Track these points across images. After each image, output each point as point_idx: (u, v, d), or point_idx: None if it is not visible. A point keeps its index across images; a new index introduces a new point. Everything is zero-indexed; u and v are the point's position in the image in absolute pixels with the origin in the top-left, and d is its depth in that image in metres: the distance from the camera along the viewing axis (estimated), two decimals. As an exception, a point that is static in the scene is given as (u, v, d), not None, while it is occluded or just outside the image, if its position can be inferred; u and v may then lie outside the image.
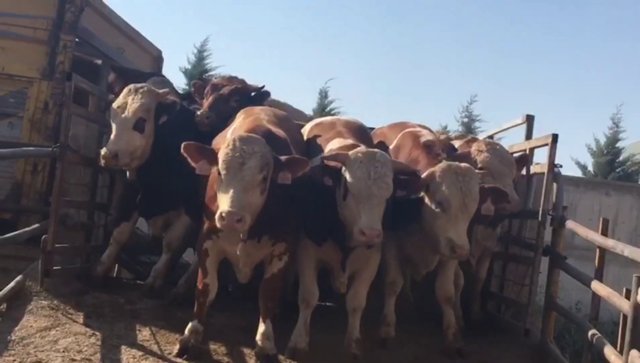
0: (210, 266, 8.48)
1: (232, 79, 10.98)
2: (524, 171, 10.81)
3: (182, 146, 7.82)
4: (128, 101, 9.49)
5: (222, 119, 10.05)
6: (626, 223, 18.51)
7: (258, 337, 8.40)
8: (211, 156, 7.78)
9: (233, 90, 10.73)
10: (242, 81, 11.04)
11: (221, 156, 7.62)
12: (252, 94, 10.98)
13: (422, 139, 9.32)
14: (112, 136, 9.39)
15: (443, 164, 8.56)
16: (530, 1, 44.34)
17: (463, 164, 8.62)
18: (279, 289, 8.72)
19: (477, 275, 10.71)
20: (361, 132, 9.55)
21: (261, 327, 8.42)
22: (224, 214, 7.32)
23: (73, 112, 9.85)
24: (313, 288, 8.71)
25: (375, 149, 8.33)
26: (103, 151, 9.37)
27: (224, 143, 7.78)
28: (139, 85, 9.72)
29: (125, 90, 9.69)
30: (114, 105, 9.66)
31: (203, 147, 7.94)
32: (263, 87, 11.10)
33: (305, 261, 8.77)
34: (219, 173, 7.59)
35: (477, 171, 8.95)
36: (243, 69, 35.75)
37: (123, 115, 9.42)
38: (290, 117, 10.26)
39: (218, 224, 7.43)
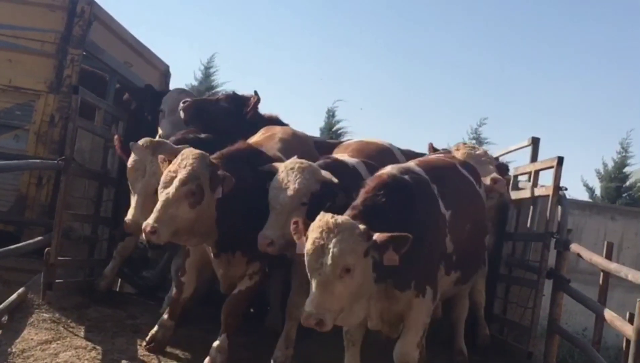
0: (188, 266, 8.80)
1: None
2: (525, 194, 10.81)
3: None
4: None
5: (211, 119, 10.38)
6: (631, 248, 18.39)
7: (211, 350, 8.41)
8: None
9: (225, 95, 11.13)
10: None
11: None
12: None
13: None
14: None
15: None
16: (540, 25, 44.32)
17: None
18: (242, 306, 8.76)
19: (475, 298, 10.54)
20: (376, 155, 9.75)
21: (217, 341, 8.45)
22: (143, 226, 7.59)
23: (79, 126, 9.86)
24: (299, 300, 8.33)
25: (302, 160, 8.23)
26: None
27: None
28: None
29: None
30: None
31: None
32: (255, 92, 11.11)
33: (294, 272, 8.71)
34: None
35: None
36: (249, 86, 35.79)
37: None
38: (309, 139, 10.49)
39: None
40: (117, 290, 11.85)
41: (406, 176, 7.48)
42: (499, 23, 45.39)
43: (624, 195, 24.41)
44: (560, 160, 9.80)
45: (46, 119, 11.23)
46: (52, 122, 11.20)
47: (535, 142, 11.67)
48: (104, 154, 10.99)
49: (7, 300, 9.10)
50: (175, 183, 7.63)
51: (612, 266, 8.60)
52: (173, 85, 15.11)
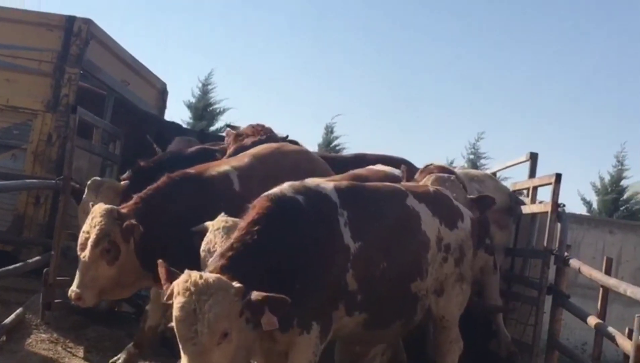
0: (154, 295, 8.56)
1: (257, 129, 10.62)
2: (527, 210, 10.81)
3: None
4: None
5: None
6: (630, 261, 18.29)
7: None
8: None
9: (254, 142, 10.17)
10: (269, 130, 10.69)
11: None
12: None
13: None
14: None
15: None
16: (537, 40, 44.49)
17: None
18: None
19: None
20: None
21: None
22: (69, 294, 7.59)
23: (77, 145, 9.85)
24: None
25: (227, 219, 7.39)
26: None
27: None
28: None
29: None
30: None
31: None
32: (287, 136, 10.93)
33: None
34: None
35: None
36: (248, 103, 35.89)
37: None
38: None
39: None
40: (116, 309, 11.81)
41: (299, 197, 6.54)
42: (495, 37, 45.51)
43: (621, 208, 24.40)
44: (558, 177, 9.80)
45: (43, 138, 11.26)
46: (49, 142, 11.22)
47: (533, 157, 11.69)
48: (102, 173, 10.98)
49: (5, 321, 9.06)
50: (89, 244, 7.63)
51: (611, 282, 8.58)
52: (171, 102, 15.14)
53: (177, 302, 5.52)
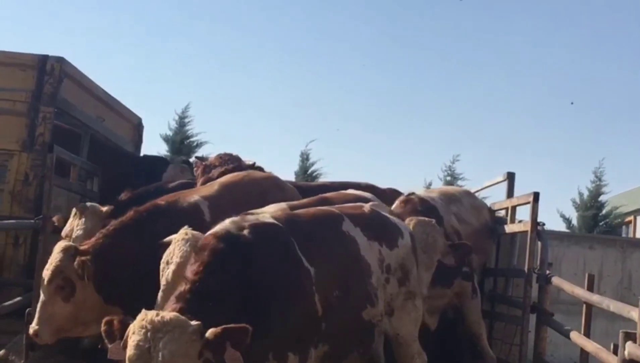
0: None
1: (225, 158, 10.73)
2: (507, 229, 10.84)
3: None
4: None
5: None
6: (611, 276, 18.35)
7: None
8: None
9: (222, 172, 10.29)
10: (237, 159, 10.82)
11: None
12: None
13: None
14: None
15: None
16: (511, 58, 44.78)
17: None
18: None
19: (474, 330, 10.42)
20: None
21: None
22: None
23: (55, 184, 9.82)
24: None
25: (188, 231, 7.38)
26: None
27: None
28: None
29: None
30: None
31: None
32: (254, 164, 10.97)
33: None
34: None
35: None
36: (224, 134, 35.83)
37: None
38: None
39: None
40: (100, 346, 11.71)
41: (244, 232, 6.19)
42: (468, 56, 45.79)
43: (600, 224, 24.51)
44: (536, 196, 9.86)
45: (20, 178, 11.18)
46: (26, 181, 11.14)
47: (510, 177, 11.76)
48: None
49: (-13, 364, 8.99)
50: (43, 282, 7.68)
51: (594, 298, 8.62)
52: (148, 135, 15.16)
53: (132, 341, 5.17)
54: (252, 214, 6.77)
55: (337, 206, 7.85)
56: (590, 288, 8.97)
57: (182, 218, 8.22)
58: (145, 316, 5.21)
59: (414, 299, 7.74)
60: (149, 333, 5.13)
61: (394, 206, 9.73)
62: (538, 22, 45.25)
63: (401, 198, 10.06)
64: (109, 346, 5.36)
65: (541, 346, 9.86)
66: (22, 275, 10.78)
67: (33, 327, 7.51)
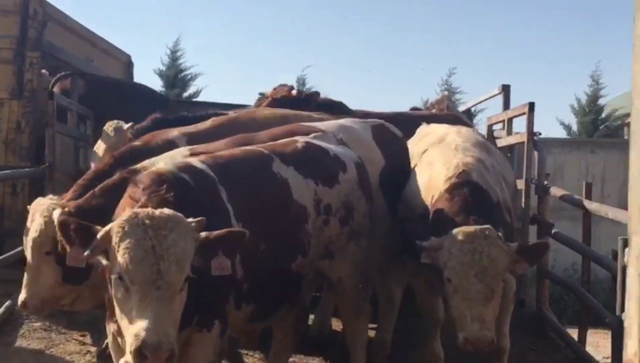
0: None
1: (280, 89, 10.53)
2: (504, 142, 10.78)
3: None
4: None
5: None
6: (614, 179, 18.41)
7: None
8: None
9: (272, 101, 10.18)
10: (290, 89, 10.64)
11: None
12: None
13: None
14: None
15: None
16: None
17: None
18: None
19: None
20: None
21: None
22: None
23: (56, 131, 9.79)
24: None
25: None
26: None
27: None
28: None
29: None
30: None
31: None
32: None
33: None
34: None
35: None
36: (218, 66, 35.68)
37: None
38: None
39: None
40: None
41: (185, 175, 5.52)
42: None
43: (601, 127, 24.49)
44: (531, 106, 9.79)
45: (12, 126, 11.13)
46: (19, 129, 11.10)
47: (505, 89, 11.65)
48: (75, 155, 10.89)
49: (-5, 314, 9.02)
50: (32, 248, 6.92)
51: (593, 206, 8.64)
52: (141, 72, 15.12)
53: (129, 241, 4.63)
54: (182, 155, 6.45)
55: (266, 144, 6.86)
56: (588, 196, 8.97)
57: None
58: (138, 213, 4.76)
59: (360, 239, 6.93)
60: (149, 230, 4.66)
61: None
62: None
63: (447, 185, 6.89)
64: (68, 250, 4.90)
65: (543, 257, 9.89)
66: (23, 223, 10.77)
67: (21, 297, 6.82)
